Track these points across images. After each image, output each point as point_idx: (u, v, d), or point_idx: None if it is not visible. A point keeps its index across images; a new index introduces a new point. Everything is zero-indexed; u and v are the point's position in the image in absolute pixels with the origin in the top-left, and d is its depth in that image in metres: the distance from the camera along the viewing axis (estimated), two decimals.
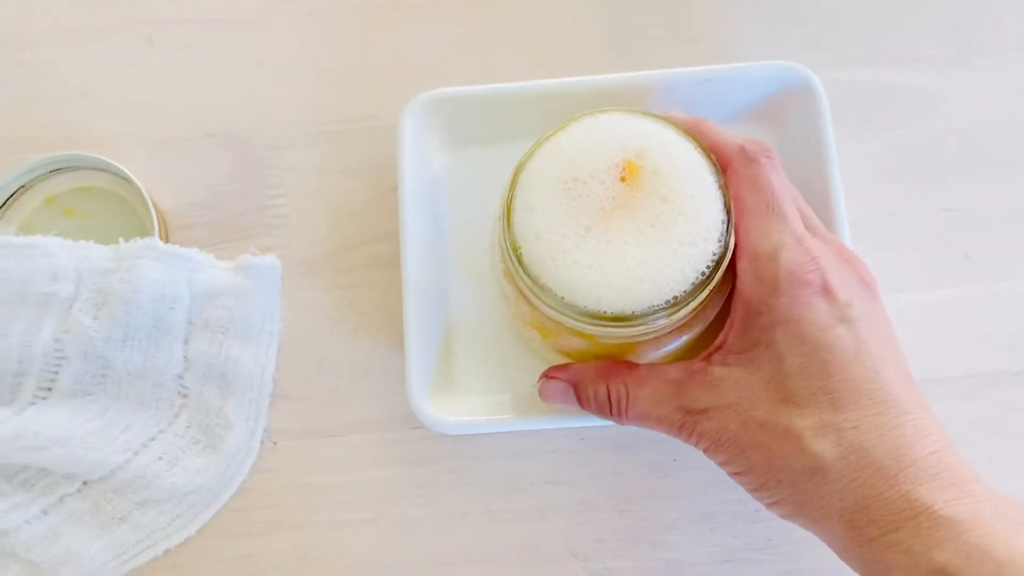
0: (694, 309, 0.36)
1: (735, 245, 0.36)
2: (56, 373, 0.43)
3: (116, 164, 0.46)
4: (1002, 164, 0.48)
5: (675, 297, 0.34)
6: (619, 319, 0.34)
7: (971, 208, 0.47)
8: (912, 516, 0.32)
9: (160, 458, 0.44)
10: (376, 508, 0.45)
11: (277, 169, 0.49)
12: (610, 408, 0.38)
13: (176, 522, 0.44)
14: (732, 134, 0.39)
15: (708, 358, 0.37)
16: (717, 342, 0.37)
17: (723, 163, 0.38)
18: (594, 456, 0.45)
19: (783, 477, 0.34)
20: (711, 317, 0.39)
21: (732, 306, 0.37)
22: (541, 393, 0.41)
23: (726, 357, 0.36)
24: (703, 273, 0.35)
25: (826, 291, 0.35)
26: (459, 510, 0.44)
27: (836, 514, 0.34)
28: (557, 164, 0.36)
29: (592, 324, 0.35)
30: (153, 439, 0.44)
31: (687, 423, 0.36)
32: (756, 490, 0.36)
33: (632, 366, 0.38)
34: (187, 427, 0.45)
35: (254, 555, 0.44)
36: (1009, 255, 0.46)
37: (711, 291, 0.35)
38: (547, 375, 0.40)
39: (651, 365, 0.38)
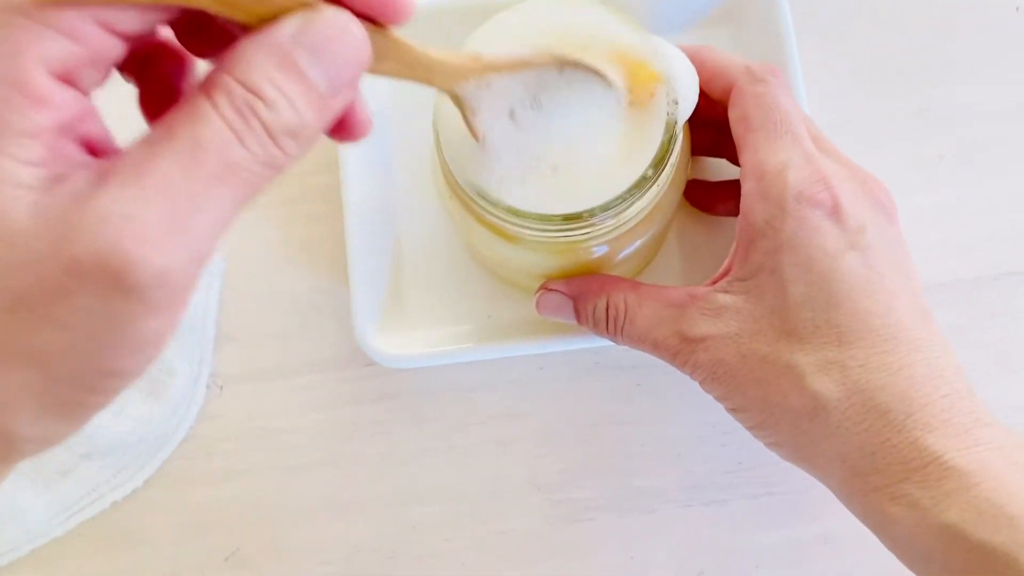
0: (645, 208, 0.33)
1: (742, 166, 0.34)
2: None
3: None
4: (974, 63, 0.45)
5: (619, 195, 0.32)
6: (569, 218, 0.32)
7: (942, 109, 0.44)
8: (920, 466, 0.30)
9: None
10: (330, 449, 0.43)
11: None
12: (607, 324, 0.36)
13: (122, 473, 0.42)
14: (736, 56, 0.36)
15: (713, 283, 0.35)
16: (723, 268, 0.35)
17: (727, 86, 0.35)
18: (554, 385, 0.43)
19: (782, 416, 0.32)
20: (669, 216, 0.37)
21: (737, 229, 0.34)
22: (538, 306, 0.38)
23: (730, 284, 0.34)
24: (649, 168, 0.32)
25: (836, 213, 0.32)
26: (417, 447, 0.43)
27: (838, 459, 0.31)
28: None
29: (537, 227, 0.33)
30: None
31: (683, 350, 0.34)
32: (754, 428, 0.34)
33: (635, 284, 0.36)
34: None
35: (205, 504, 0.43)
36: (983, 157, 0.44)
37: (660, 188, 0.33)
38: (546, 287, 0.38)
39: (654, 285, 0.36)
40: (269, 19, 0.21)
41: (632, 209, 0.33)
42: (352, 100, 0.24)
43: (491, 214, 0.33)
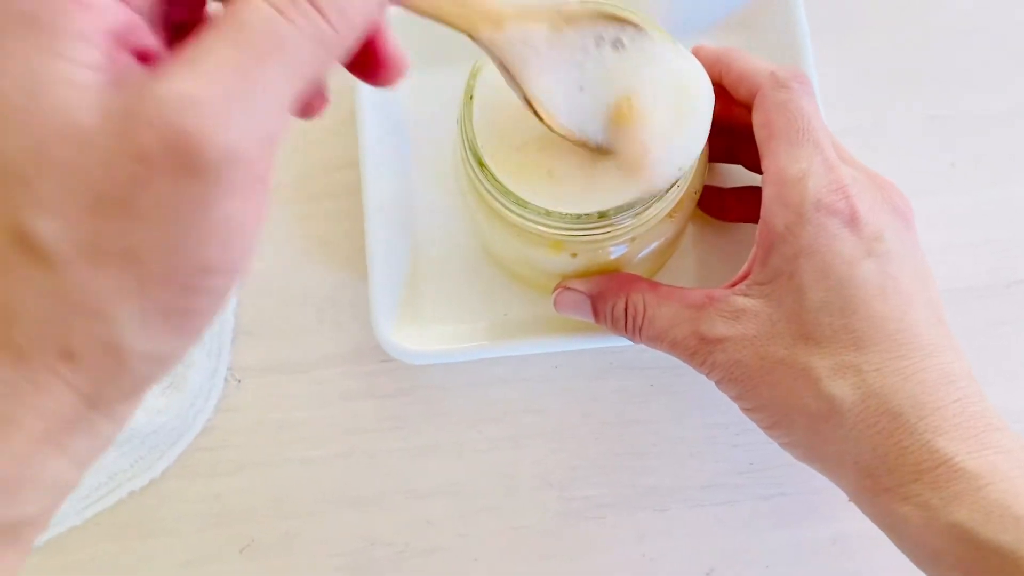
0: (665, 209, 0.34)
1: (763, 172, 0.34)
2: None
3: None
4: (987, 71, 0.45)
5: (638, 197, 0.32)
6: (589, 217, 0.33)
7: (956, 115, 0.45)
8: (931, 468, 0.30)
9: None
10: (346, 442, 0.43)
11: None
12: (625, 323, 0.37)
13: (139, 464, 0.43)
14: (763, 60, 0.37)
15: (732, 286, 0.35)
16: (742, 271, 0.35)
17: (752, 89, 0.36)
18: (568, 383, 0.43)
19: (797, 418, 0.33)
20: (687, 216, 0.37)
21: (757, 234, 0.35)
22: (556, 303, 0.39)
23: (749, 288, 0.34)
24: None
25: (854, 221, 0.33)
26: (431, 442, 0.43)
27: (851, 460, 0.32)
28: None
29: (558, 227, 0.33)
30: None
31: (701, 350, 0.35)
32: (769, 428, 0.35)
33: (653, 284, 0.37)
34: None
35: (222, 495, 0.43)
36: (995, 162, 0.45)
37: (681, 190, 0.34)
38: (564, 286, 0.38)
39: (672, 286, 0.37)
40: None
41: (652, 209, 0.33)
42: (380, 24, 0.24)
43: (515, 213, 0.33)
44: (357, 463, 0.43)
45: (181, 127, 0.19)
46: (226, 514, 0.43)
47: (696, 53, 0.36)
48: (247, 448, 0.43)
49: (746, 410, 0.35)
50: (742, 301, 0.34)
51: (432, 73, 0.42)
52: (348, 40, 0.22)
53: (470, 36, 0.28)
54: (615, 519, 0.42)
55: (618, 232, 0.34)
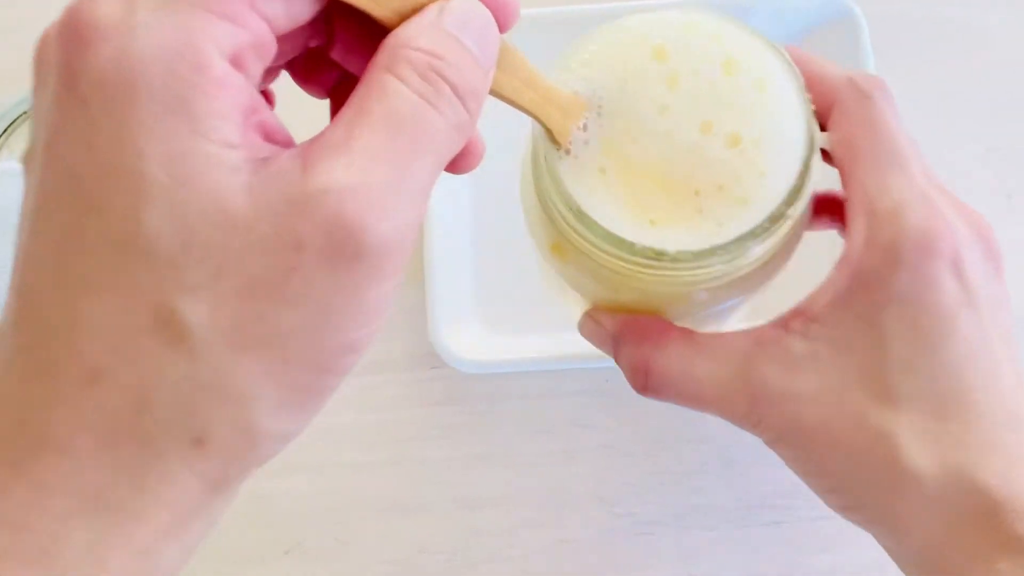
0: (767, 254, 0.29)
1: (847, 199, 0.30)
2: None
3: None
4: None
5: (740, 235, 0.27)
6: (664, 257, 0.27)
7: (1013, 147, 0.45)
8: (1019, 550, 0.27)
9: None
10: (395, 449, 0.43)
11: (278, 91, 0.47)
12: (647, 383, 0.31)
13: None
14: (837, 65, 0.32)
15: (785, 325, 0.30)
16: (799, 306, 0.30)
17: (828, 100, 0.31)
18: (619, 398, 0.44)
19: (867, 488, 0.29)
20: (773, 275, 0.32)
21: (835, 270, 0.30)
22: (580, 328, 0.35)
23: (809, 327, 0.29)
24: (778, 208, 0.28)
25: (956, 266, 0.28)
26: (481, 451, 0.43)
27: (920, 535, 0.29)
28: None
29: (634, 262, 0.28)
30: None
31: (752, 412, 0.29)
32: (827, 493, 0.31)
33: (687, 333, 0.31)
34: None
35: (268, 496, 0.43)
36: None
37: (787, 233, 0.29)
38: (592, 316, 0.34)
39: (709, 333, 0.31)
40: (407, 15, 0.22)
41: (749, 255, 0.28)
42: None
43: (591, 244, 0.29)
44: (406, 470, 0.43)
45: (343, 215, 0.19)
46: (273, 515, 0.43)
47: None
48: (296, 450, 0.42)
49: (802, 474, 0.31)
50: (800, 345, 0.29)
51: None
52: (475, 124, 0.22)
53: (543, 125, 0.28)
54: (663, 536, 0.42)
55: (690, 279, 0.29)
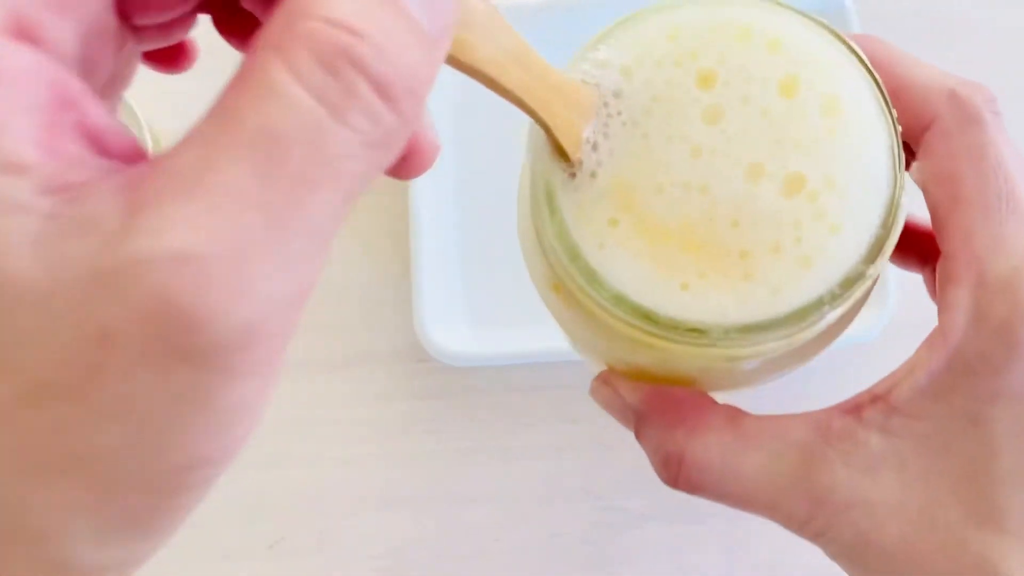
0: (828, 328, 0.23)
1: (944, 253, 0.24)
2: None
3: None
4: None
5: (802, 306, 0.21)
6: (695, 331, 0.21)
7: None
8: None
9: None
10: (382, 443, 0.43)
11: None
12: (672, 473, 0.25)
13: None
14: (933, 67, 0.25)
15: (857, 412, 0.24)
16: (876, 388, 0.24)
17: (919, 112, 0.24)
18: None
19: None
20: (835, 339, 0.25)
21: (928, 344, 0.24)
22: (593, 394, 0.28)
23: (891, 419, 0.23)
24: (841, 284, 0.21)
25: None
26: (469, 446, 0.43)
27: None
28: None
29: (660, 336, 0.22)
30: None
31: (815, 519, 0.24)
32: None
33: (733, 414, 0.25)
34: None
35: (253, 489, 0.42)
36: None
37: (854, 303, 0.23)
38: (607, 382, 0.27)
39: (760, 416, 0.25)
40: None
41: (814, 328, 0.22)
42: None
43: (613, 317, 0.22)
44: (392, 464, 0.43)
45: (169, 299, 0.13)
46: (257, 509, 0.42)
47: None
48: (282, 443, 0.43)
49: None
50: (876, 441, 0.23)
51: None
52: (411, 129, 0.15)
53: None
54: (653, 530, 0.42)
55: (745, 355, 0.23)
